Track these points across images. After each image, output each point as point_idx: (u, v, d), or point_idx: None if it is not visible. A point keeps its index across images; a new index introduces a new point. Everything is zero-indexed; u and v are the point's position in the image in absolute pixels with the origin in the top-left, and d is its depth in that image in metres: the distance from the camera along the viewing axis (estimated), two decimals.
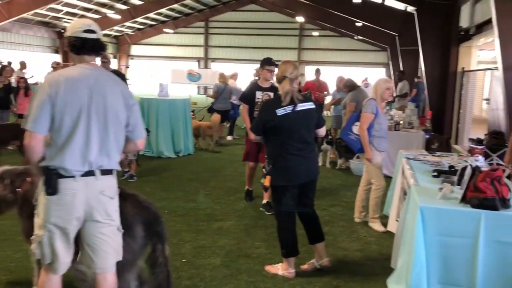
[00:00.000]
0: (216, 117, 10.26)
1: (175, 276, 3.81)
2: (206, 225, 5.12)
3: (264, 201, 5.65)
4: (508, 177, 4.45)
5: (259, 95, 5.55)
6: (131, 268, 2.93)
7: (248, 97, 5.69)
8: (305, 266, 4.01)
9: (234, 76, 12.39)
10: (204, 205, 5.87)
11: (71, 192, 2.52)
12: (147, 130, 8.40)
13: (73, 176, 2.52)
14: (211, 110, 11.05)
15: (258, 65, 6.04)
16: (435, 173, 3.99)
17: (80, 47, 2.62)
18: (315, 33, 30.35)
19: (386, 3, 15.96)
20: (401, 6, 14.36)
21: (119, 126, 2.66)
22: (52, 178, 2.51)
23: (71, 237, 2.61)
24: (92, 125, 2.56)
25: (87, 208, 2.57)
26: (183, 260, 4.12)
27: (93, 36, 2.63)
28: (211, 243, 4.57)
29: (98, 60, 2.83)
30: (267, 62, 5.57)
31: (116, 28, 29.80)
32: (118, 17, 26.03)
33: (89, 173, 2.56)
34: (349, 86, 8.66)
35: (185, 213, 5.51)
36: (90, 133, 2.55)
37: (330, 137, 8.77)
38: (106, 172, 2.63)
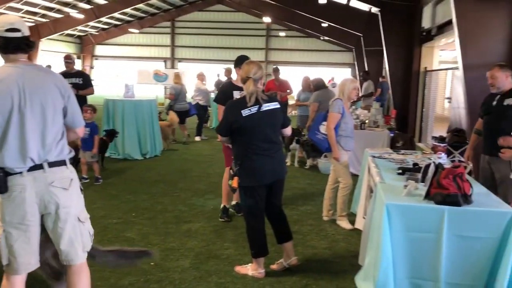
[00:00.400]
0: (173, 115, 10.46)
1: (143, 280, 3.76)
2: (174, 227, 5.06)
3: (234, 202, 5.62)
4: (469, 173, 4.59)
5: (236, 94, 5.35)
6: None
7: (224, 97, 5.47)
8: (274, 266, 4.02)
9: (200, 77, 12.28)
10: (172, 207, 5.80)
11: (20, 188, 2.55)
12: (116, 132, 8.28)
13: (20, 173, 2.55)
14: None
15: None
16: (400, 171, 4.08)
17: (4, 47, 2.59)
18: (282, 34, 30.52)
19: (351, 4, 16.20)
20: (365, 7, 14.61)
21: (58, 117, 2.69)
22: (0, 177, 2.53)
23: (31, 235, 2.61)
24: (27, 121, 2.56)
25: (39, 202, 2.59)
26: (151, 264, 4.06)
27: (18, 35, 2.58)
28: (179, 246, 4.52)
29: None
30: (243, 61, 5.37)
31: (79, 28, 29.12)
32: (81, 16, 25.43)
33: (36, 167, 2.59)
34: (315, 86, 8.75)
35: (152, 216, 5.43)
36: (24, 130, 2.56)
37: (303, 133, 8.76)
38: (54, 164, 2.64)
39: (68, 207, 2.66)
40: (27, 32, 2.65)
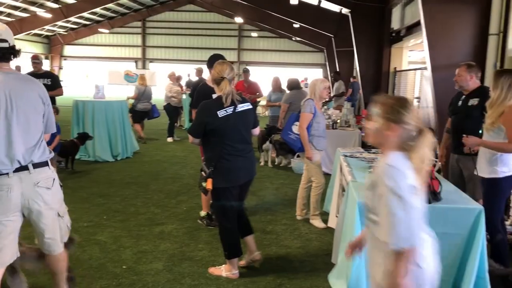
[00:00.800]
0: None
1: (115, 283, 3.69)
2: (147, 229, 5.00)
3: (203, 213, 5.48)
4: (438, 171, 4.70)
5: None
6: None
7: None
8: (242, 262, 4.03)
9: (172, 77, 12.17)
10: (144, 209, 5.73)
11: (6, 188, 2.72)
12: (89, 136, 8.12)
13: (6, 173, 2.72)
14: (132, 111, 11.06)
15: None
16: (371, 169, 4.13)
17: None
18: (254, 34, 30.59)
19: (322, 5, 16.37)
20: (336, 8, 14.79)
21: (40, 122, 2.90)
22: None
23: (12, 231, 2.78)
24: (14, 126, 2.74)
25: (24, 201, 2.78)
26: (124, 267, 4.00)
27: (5, 45, 2.76)
28: (152, 248, 4.46)
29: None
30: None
31: (47, 27, 28.46)
32: (49, 16, 24.84)
33: (22, 168, 2.77)
34: (289, 86, 8.77)
35: (124, 219, 5.35)
36: (11, 134, 2.73)
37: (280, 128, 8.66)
38: (38, 165, 2.83)
39: (51, 205, 2.89)
40: (12, 42, 2.82)
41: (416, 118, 1.98)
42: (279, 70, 25.19)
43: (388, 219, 1.88)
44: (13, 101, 2.73)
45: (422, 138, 1.97)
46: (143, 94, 11.10)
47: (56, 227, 2.95)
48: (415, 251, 1.91)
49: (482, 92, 4.23)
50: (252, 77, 10.06)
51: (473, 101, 4.27)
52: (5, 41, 2.76)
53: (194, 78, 13.24)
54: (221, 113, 3.65)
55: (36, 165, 2.81)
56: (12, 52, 2.81)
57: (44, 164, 2.87)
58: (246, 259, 4.05)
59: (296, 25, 22.15)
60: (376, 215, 1.98)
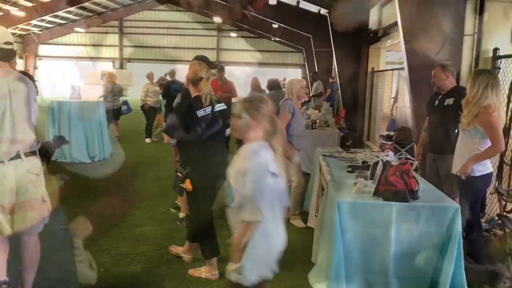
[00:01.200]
0: None
1: (93, 287, 3.63)
2: (125, 231, 4.93)
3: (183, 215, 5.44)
4: (416, 170, 4.76)
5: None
6: None
7: None
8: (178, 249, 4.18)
9: (150, 77, 12.03)
10: (123, 211, 5.65)
11: (2, 175, 2.96)
12: (66, 141, 7.94)
13: (2, 162, 2.95)
14: None
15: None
16: (350, 169, 4.17)
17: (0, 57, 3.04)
18: (233, 34, 30.52)
19: (300, 5, 16.43)
20: (314, 8, 14.86)
21: (31, 116, 3.18)
22: None
23: (6, 214, 3.05)
24: (16, 119, 3.01)
25: (16, 187, 3.01)
26: (101, 270, 3.94)
27: (11, 47, 3.10)
28: (131, 250, 4.41)
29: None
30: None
31: (21, 26, 27.82)
32: (22, 14, 24.27)
33: (16, 157, 3.02)
34: (269, 86, 8.78)
35: (102, 221, 5.26)
36: (15, 126, 3.01)
37: None
38: (29, 154, 3.10)
39: (39, 190, 3.17)
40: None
41: (271, 111, 2.39)
42: (258, 71, 25.19)
43: (243, 196, 2.20)
44: (14, 96, 3.02)
45: (276, 125, 2.38)
46: (112, 91, 10.94)
47: (38, 211, 3.19)
48: (260, 225, 2.24)
49: (457, 92, 4.30)
50: (230, 78, 9.87)
51: (449, 101, 4.35)
52: (11, 43, 3.09)
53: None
54: (200, 113, 3.64)
55: (27, 154, 3.08)
56: (14, 53, 3.17)
57: (33, 153, 3.14)
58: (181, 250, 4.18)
59: (275, 25, 22.17)
60: (236, 192, 2.27)
